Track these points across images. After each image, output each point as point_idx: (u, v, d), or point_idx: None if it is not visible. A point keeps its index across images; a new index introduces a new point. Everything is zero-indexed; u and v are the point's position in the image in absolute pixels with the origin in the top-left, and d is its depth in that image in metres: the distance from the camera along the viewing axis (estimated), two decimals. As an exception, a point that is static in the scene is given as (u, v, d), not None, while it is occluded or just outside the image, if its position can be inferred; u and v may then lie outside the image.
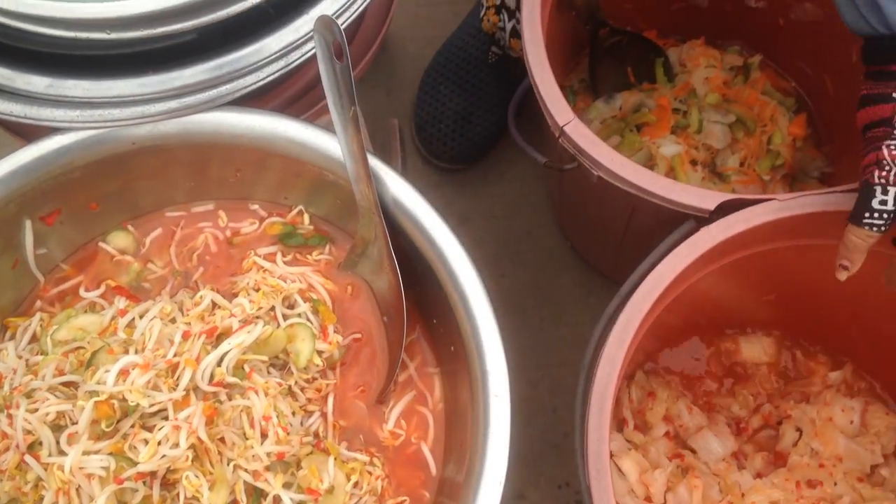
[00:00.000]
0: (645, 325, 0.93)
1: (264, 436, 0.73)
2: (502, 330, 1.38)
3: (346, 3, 0.80)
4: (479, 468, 0.71)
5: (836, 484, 1.07)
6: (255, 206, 0.91)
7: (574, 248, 1.44)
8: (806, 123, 1.32)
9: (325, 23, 0.72)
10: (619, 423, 1.13)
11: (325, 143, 0.81)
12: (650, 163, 1.23)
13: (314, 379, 0.82)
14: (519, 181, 1.50)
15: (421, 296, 0.83)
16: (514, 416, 0.71)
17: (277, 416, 0.74)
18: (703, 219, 0.93)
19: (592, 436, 0.84)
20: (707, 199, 0.92)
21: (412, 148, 1.52)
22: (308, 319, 0.82)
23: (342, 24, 0.81)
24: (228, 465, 0.72)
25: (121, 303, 0.80)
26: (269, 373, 0.80)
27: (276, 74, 0.81)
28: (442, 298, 0.78)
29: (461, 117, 1.48)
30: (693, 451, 1.12)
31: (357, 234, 0.83)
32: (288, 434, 0.74)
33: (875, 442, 1.11)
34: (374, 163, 0.80)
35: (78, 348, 0.77)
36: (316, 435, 0.80)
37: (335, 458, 0.77)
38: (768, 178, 1.26)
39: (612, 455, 1.08)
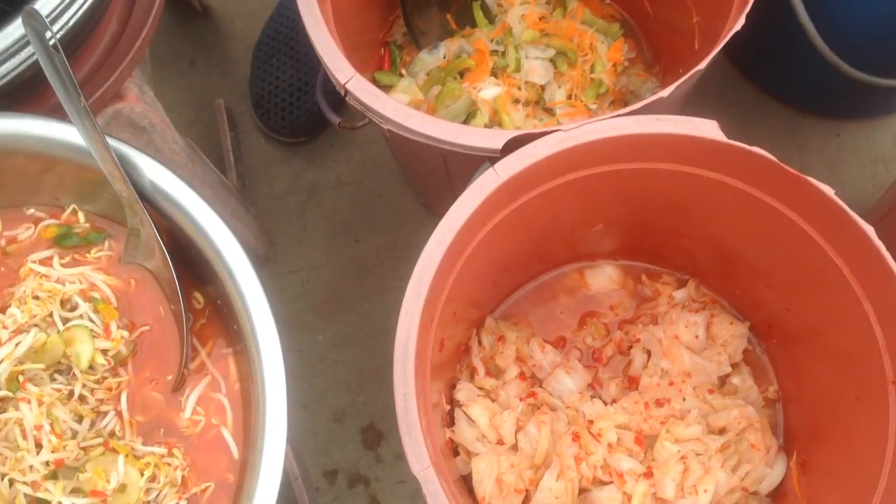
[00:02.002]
0: (448, 274, 0.92)
1: (40, 445, 0.72)
2: (350, 297, 1.38)
3: (70, -4, 0.77)
4: (260, 444, 0.70)
5: (684, 399, 1.08)
6: (32, 211, 0.88)
7: (426, 205, 1.43)
8: (629, 47, 1.32)
9: (31, 14, 0.69)
10: (470, 373, 1.14)
11: (74, 137, 0.78)
12: (473, 108, 1.22)
13: (103, 379, 0.80)
14: (366, 145, 1.49)
15: (201, 278, 0.81)
16: (290, 390, 0.70)
17: (51, 424, 0.73)
18: (496, 159, 0.93)
19: (399, 392, 0.84)
20: (494, 138, 0.92)
21: (252, 125, 1.49)
22: (90, 319, 0.80)
23: (73, 15, 0.78)
24: (3, 479, 0.70)
25: None
26: (54, 379, 0.78)
27: (14, 73, 0.78)
28: (216, 278, 0.77)
29: (296, 89, 1.45)
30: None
31: (128, 225, 0.81)
32: (63, 440, 0.72)
33: (722, 353, 1.12)
34: (125, 149, 0.77)
35: None
36: (112, 434, 0.79)
37: (126, 456, 0.75)
38: (595, 106, 1.26)
39: (460, 404, 1.08)
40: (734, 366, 1.13)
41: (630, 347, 1.15)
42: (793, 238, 0.94)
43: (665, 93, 0.90)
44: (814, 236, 0.91)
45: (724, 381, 1.13)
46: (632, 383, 1.13)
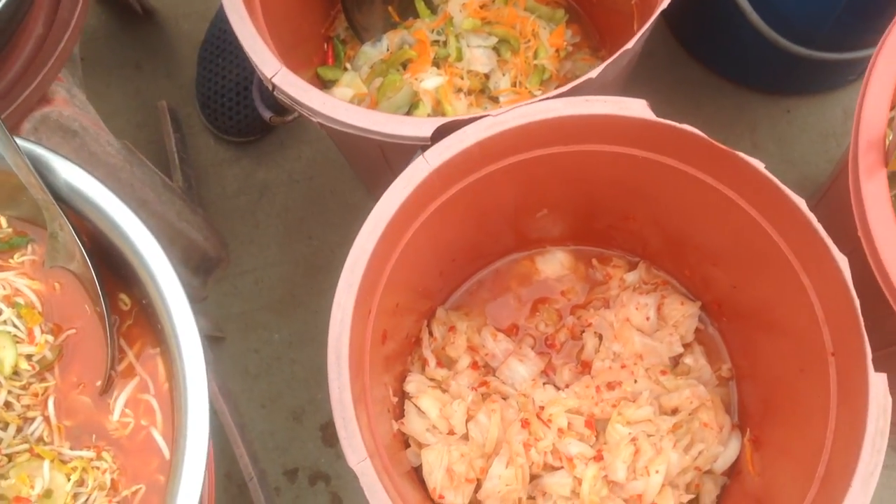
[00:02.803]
0: (383, 264, 0.91)
1: (-40, 455, 0.71)
2: (305, 294, 1.37)
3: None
4: (182, 444, 0.69)
5: (636, 381, 1.08)
6: (-46, 220, 0.86)
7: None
8: (574, 32, 1.31)
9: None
10: (421, 364, 1.13)
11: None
12: (416, 99, 1.21)
13: (29, 384, 0.79)
14: (317, 141, 1.48)
15: (126, 279, 0.80)
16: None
17: (-29, 433, 0.72)
18: (428, 147, 0.92)
19: (333, 385, 0.83)
20: (422, 126, 0.91)
21: (201, 126, 1.48)
22: (14, 325, 0.79)
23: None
24: (-77, 491, 0.69)
25: None
26: (-21, 388, 0.77)
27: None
28: (138, 278, 0.76)
29: (243, 88, 1.44)
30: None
31: (47, 228, 0.79)
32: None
33: (673, 333, 1.12)
34: (40, 151, 0.76)
35: None
36: (40, 440, 0.78)
37: (52, 461, 0.74)
38: (540, 92, 1.25)
39: (410, 396, 1.08)
40: (687, 346, 1.13)
41: (582, 332, 1.15)
42: (731, 214, 0.93)
43: (593, 73, 0.90)
44: (750, 212, 0.91)
45: (676, 361, 1.13)
46: (585, 368, 1.12)
